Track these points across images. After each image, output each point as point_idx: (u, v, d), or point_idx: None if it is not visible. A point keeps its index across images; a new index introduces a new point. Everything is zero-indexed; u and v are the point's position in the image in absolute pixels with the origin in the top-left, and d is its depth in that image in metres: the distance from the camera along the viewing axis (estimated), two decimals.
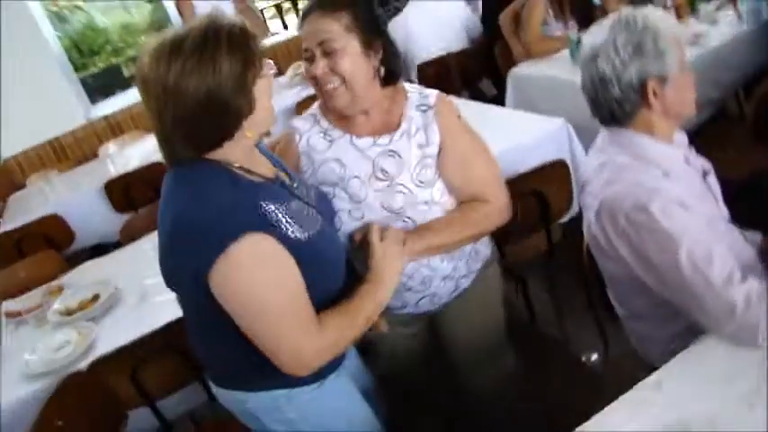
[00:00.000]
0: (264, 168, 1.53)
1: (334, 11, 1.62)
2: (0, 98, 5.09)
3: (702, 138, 1.61)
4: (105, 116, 5.73)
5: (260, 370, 1.47)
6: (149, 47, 1.35)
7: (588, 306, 2.08)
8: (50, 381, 2.09)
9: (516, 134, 2.76)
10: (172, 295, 2.30)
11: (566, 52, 3.40)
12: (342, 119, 1.74)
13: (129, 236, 3.21)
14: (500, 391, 2.02)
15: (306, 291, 1.41)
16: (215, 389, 1.65)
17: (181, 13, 5.64)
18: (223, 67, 1.31)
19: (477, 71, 4.49)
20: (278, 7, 13.12)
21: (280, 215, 1.41)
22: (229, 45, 1.33)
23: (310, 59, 1.64)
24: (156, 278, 2.48)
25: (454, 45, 4.47)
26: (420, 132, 1.71)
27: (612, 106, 1.56)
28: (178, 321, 2.11)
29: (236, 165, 1.43)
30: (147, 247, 2.87)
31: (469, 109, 2.93)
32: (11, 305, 2.62)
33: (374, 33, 1.66)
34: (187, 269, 1.37)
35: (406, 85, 1.80)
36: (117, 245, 3.40)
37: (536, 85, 3.49)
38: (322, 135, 1.76)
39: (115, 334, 2.25)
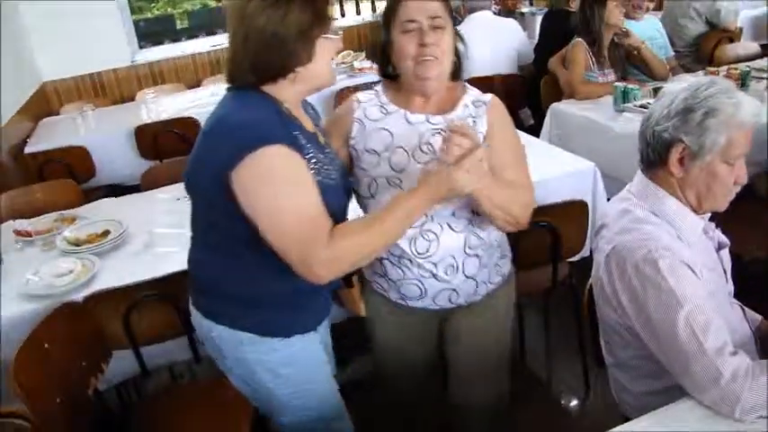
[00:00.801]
0: (306, 123, 1.65)
1: None
2: (54, 19, 5.18)
3: (725, 212, 1.62)
4: (150, 62, 5.79)
5: (235, 307, 1.63)
6: None
7: (579, 349, 2.11)
8: (47, 304, 2.13)
9: (545, 167, 2.77)
10: (176, 247, 2.40)
11: (609, 98, 3.42)
12: (401, 97, 1.84)
13: (149, 182, 3.24)
14: (483, 415, 2.04)
15: (323, 207, 1.49)
16: (193, 310, 1.75)
17: None
18: (292, 15, 1.48)
19: (520, 98, 4.51)
20: None
21: (310, 153, 1.54)
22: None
23: (412, 31, 1.73)
24: (165, 229, 2.58)
25: (504, 68, 4.52)
26: (470, 120, 1.80)
27: (643, 147, 1.60)
28: (177, 274, 2.17)
29: (285, 105, 1.57)
30: (165, 197, 2.92)
31: None
32: (23, 224, 2.67)
33: (455, 26, 1.80)
34: (212, 164, 1.49)
35: (467, 85, 1.90)
36: (134, 189, 3.44)
37: (574, 123, 3.51)
38: (379, 107, 1.86)
39: (116, 273, 2.30)
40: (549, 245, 2.44)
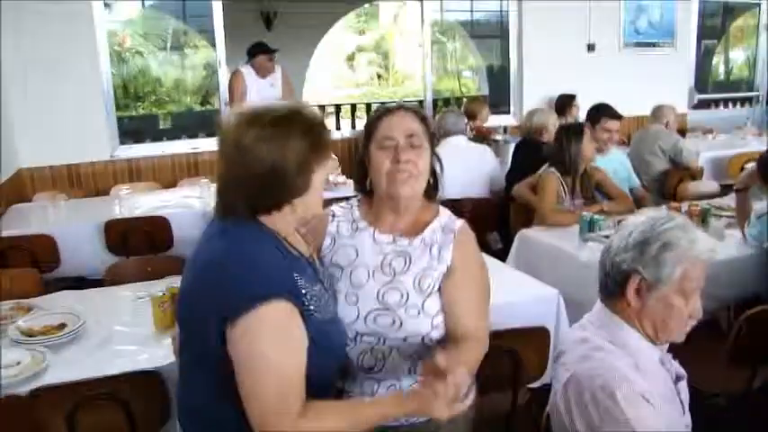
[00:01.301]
0: (302, 246, 1.65)
1: (417, 116, 1.84)
2: (39, 108, 5.29)
3: (686, 344, 1.65)
4: (129, 159, 5.85)
5: None
6: (238, 109, 1.52)
7: None
8: None
9: (508, 292, 2.79)
10: (133, 347, 2.34)
11: (577, 227, 3.51)
12: (373, 213, 1.88)
13: (113, 277, 3.20)
14: None
15: (304, 376, 1.46)
16: None
17: (231, 87, 5.84)
18: (292, 146, 1.47)
19: (489, 222, 4.61)
20: (321, 108, 13.74)
21: (307, 293, 1.51)
22: (304, 128, 1.49)
23: (388, 148, 1.79)
24: (124, 327, 2.52)
25: (475, 192, 4.64)
26: (436, 247, 1.82)
27: (602, 277, 1.64)
28: (130, 375, 2.11)
29: (282, 235, 1.56)
30: (127, 294, 2.87)
31: None
32: None
33: (432, 148, 1.86)
34: (211, 313, 1.44)
35: (440, 207, 1.92)
36: (99, 283, 3.39)
37: (540, 250, 3.57)
38: (351, 223, 1.90)
39: (67, 368, 2.22)
40: (510, 370, 2.43)
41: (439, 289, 1.80)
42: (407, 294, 1.77)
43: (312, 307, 1.52)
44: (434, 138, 1.89)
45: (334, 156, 1.64)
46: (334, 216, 1.92)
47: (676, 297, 1.56)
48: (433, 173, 1.86)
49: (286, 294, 1.44)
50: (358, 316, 1.77)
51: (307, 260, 1.64)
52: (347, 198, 2.01)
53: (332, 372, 1.65)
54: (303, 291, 1.51)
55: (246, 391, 1.42)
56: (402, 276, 1.79)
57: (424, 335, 1.77)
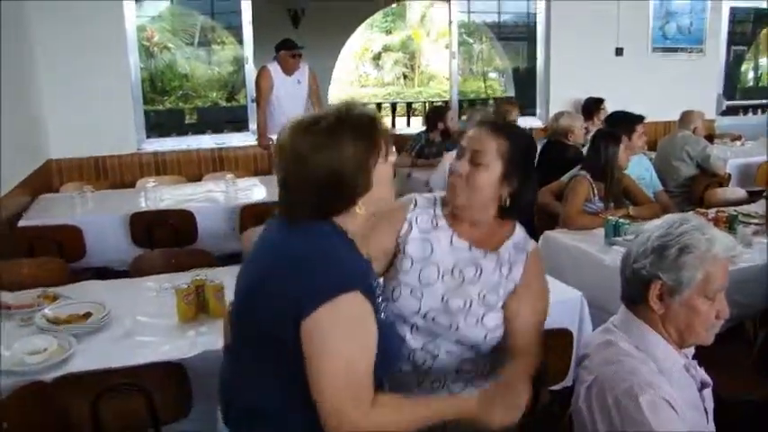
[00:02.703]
0: (363, 249, 1.64)
1: (498, 133, 1.84)
2: (68, 100, 5.37)
3: (711, 352, 1.63)
4: (155, 152, 5.90)
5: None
6: (295, 120, 1.55)
7: None
8: (14, 381, 2.07)
9: None
10: (155, 338, 2.36)
11: (602, 230, 3.48)
12: (454, 217, 1.91)
13: (138, 269, 3.23)
14: None
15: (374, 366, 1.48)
16: None
17: (257, 83, 5.87)
18: (347, 151, 1.49)
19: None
20: (393, 107, 14.10)
21: (375, 291, 1.54)
22: (355, 131, 1.51)
23: (461, 156, 1.86)
24: (149, 318, 2.55)
25: None
26: (507, 266, 1.87)
27: (624, 284, 1.63)
28: (153, 365, 2.13)
29: (350, 235, 1.57)
30: (152, 286, 2.90)
31: None
32: (5, 297, 2.64)
33: (517, 171, 1.84)
34: (289, 309, 1.43)
35: (517, 226, 1.95)
36: (123, 274, 3.43)
37: (565, 252, 3.55)
38: (432, 217, 1.93)
39: (92, 357, 2.25)
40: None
41: (503, 305, 1.85)
42: (471, 303, 1.83)
43: (379, 307, 1.55)
44: (522, 162, 1.87)
45: (394, 150, 1.63)
46: (416, 204, 1.95)
47: (700, 300, 1.54)
48: (516, 194, 1.85)
49: (363, 288, 1.47)
50: (419, 311, 1.84)
51: (368, 262, 1.66)
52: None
53: (386, 373, 1.64)
54: (374, 290, 1.54)
55: (317, 382, 1.43)
56: (470, 285, 1.85)
57: (476, 344, 1.84)
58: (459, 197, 1.84)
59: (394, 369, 1.72)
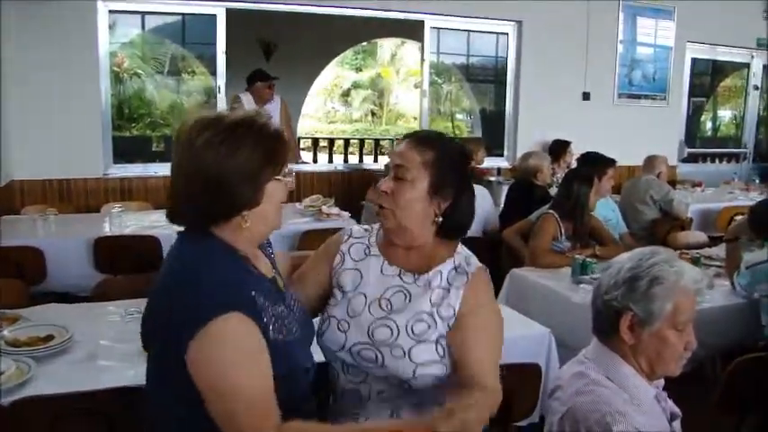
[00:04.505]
0: (264, 267, 1.59)
1: (422, 144, 1.72)
2: (35, 123, 5.31)
3: (672, 391, 1.66)
4: (121, 178, 5.83)
5: None
6: (198, 114, 1.48)
7: None
8: None
9: None
10: (118, 363, 2.31)
11: (568, 269, 3.52)
12: (388, 244, 1.80)
13: (101, 294, 3.17)
14: None
15: (273, 392, 1.39)
16: None
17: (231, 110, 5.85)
18: (240, 155, 1.42)
19: (481, 260, 4.61)
20: (315, 142, 13.93)
21: (267, 311, 1.45)
22: (257, 138, 1.45)
23: (386, 174, 1.76)
24: (109, 342, 2.49)
25: (470, 231, 4.65)
26: (441, 291, 1.71)
27: (595, 316, 1.66)
28: (114, 390, 2.08)
29: (241, 252, 1.49)
30: (115, 311, 2.84)
31: None
32: None
33: (450, 184, 1.73)
34: (168, 332, 1.38)
35: (459, 246, 1.82)
36: (83, 300, 3.35)
37: (532, 290, 3.58)
38: (365, 247, 1.83)
39: (52, 381, 2.18)
40: (499, 406, 2.40)
41: (441, 336, 1.68)
42: (398, 334, 1.69)
43: (272, 327, 1.45)
44: (454, 173, 1.75)
45: (292, 173, 1.57)
46: (350, 236, 1.87)
47: (669, 330, 1.57)
48: (452, 212, 1.74)
49: (240, 308, 1.37)
50: (344, 346, 1.72)
51: (269, 280, 1.58)
52: (339, 229, 1.96)
53: (300, 392, 1.57)
54: (261, 308, 1.44)
55: (217, 416, 1.35)
56: (396, 315, 1.71)
57: (405, 380, 1.67)
58: (389, 220, 1.72)
59: (305, 393, 1.61)
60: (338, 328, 1.75)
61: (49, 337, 2.45)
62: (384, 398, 1.72)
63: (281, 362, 1.44)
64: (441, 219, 1.73)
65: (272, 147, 1.48)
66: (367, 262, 1.81)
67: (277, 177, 1.49)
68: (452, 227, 1.77)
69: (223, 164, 1.41)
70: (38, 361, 2.28)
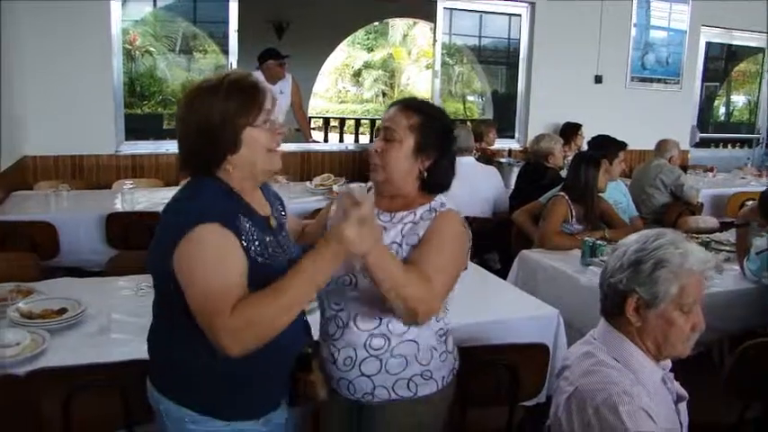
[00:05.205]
0: (258, 205, 1.71)
1: (409, 110, 1.92)
2: (48, 100, 5.32)
3: (678, 375, 1.67)
4: (133, 155, 5.85)
5: (182, 381, 1.66)
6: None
7: None
8: None
9: (509, 308, 2.82)
10: (131, 336, 2.34)
11: (578, 251, 3.53)
12: (379, 197, 1.92)
13: (113, 269, 3.20)
14: None
15: (244, 287, 1.53)
16: (148, 384, 1.75)
17: None
18: (216, 107, 1.57)
19: (490, 242, 4.63)
20: (326, 121, 13.95)
21: (250, 233, 1.58)
22: (229, 90, 1.59)
23: (378, 135, 1.95)
24: (122, 316, 2.52)
25: (479, 211, 4.67)
26: (411, 225, 1.89)
27: (602, 298, 1.67)
28: (128, 363, 2.10)
29: (235, 189, 1.64)
30: (127, 285, 2.88)
31: (476, 273, 3.07)
32: None
33: (432, 145, 1.91)
34: (161, 246, 1.55)
35: (441, 197, 1.98)
36: (95, 275, 3.39)
37: (541, 271, 3.59)
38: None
39: (66, 353, 2.22)
40: (507, 385, 2.43)
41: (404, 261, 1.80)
42: None
43: (254, 248, 1.58)
44: (436, 136, 1.92)
45: (279, 121, 1.70)
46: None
47: (676, 312, 1.58)
48: (435, 169, 1.91)
49: (220, 220, 1.52)
50: None
51: (261, 216, 1.69)
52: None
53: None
54: (246, 229, 1.58)
55: (191, 307, 1.52)
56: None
57: (375, 298, 1.76)
58: (378, 174, 1.91)
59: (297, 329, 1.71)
60: None
61: (63, 311, 2.48)
62: (360, 328, 1.88)
63: (260, 283, 1.54)
64: (426, 174, 1.92)
65: (249, 95, 1.61)
66: None
67: (255, 124, 1.60)
68: (434, 182, 1.94)
69: (206, 113, 1.57)
70: (52, 333, 2.32)
